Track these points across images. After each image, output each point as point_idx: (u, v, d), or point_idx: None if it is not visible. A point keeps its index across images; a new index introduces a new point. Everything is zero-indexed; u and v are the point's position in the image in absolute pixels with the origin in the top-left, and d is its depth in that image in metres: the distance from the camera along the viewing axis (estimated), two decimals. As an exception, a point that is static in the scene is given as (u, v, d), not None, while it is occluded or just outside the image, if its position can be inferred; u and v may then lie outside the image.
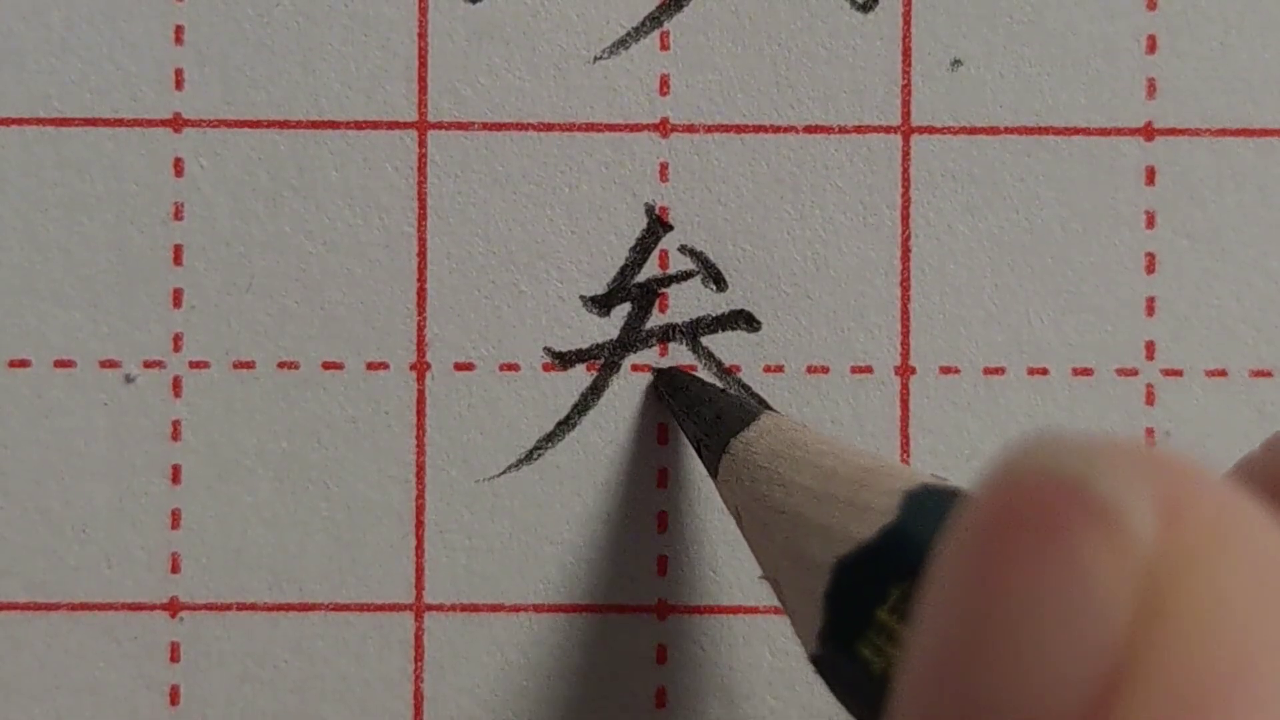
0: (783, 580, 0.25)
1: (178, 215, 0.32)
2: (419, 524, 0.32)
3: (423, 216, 0.32)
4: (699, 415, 0.30)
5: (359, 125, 0.32)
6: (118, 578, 0.32)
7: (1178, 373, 0.32)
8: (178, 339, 0.32)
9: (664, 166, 0.32)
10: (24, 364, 0.32)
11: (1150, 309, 0.32)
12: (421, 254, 0.32)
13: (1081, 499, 0.16)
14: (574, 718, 0.32)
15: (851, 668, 0.23)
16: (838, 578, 0.23)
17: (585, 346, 0.32)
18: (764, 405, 0.29)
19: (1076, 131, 0.32)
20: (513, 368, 0.32)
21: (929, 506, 0.23)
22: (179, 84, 0.32)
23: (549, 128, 0.32)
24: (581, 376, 0.32)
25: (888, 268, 0.32)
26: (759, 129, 0.32)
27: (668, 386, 0.31)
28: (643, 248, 0.32)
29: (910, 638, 0.17)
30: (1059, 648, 0.15)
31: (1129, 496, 0.16)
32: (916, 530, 0.23)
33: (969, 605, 0.16)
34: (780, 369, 0.32)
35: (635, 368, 0.32)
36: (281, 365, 0.32)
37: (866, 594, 0.23)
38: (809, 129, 0.32)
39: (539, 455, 0.32)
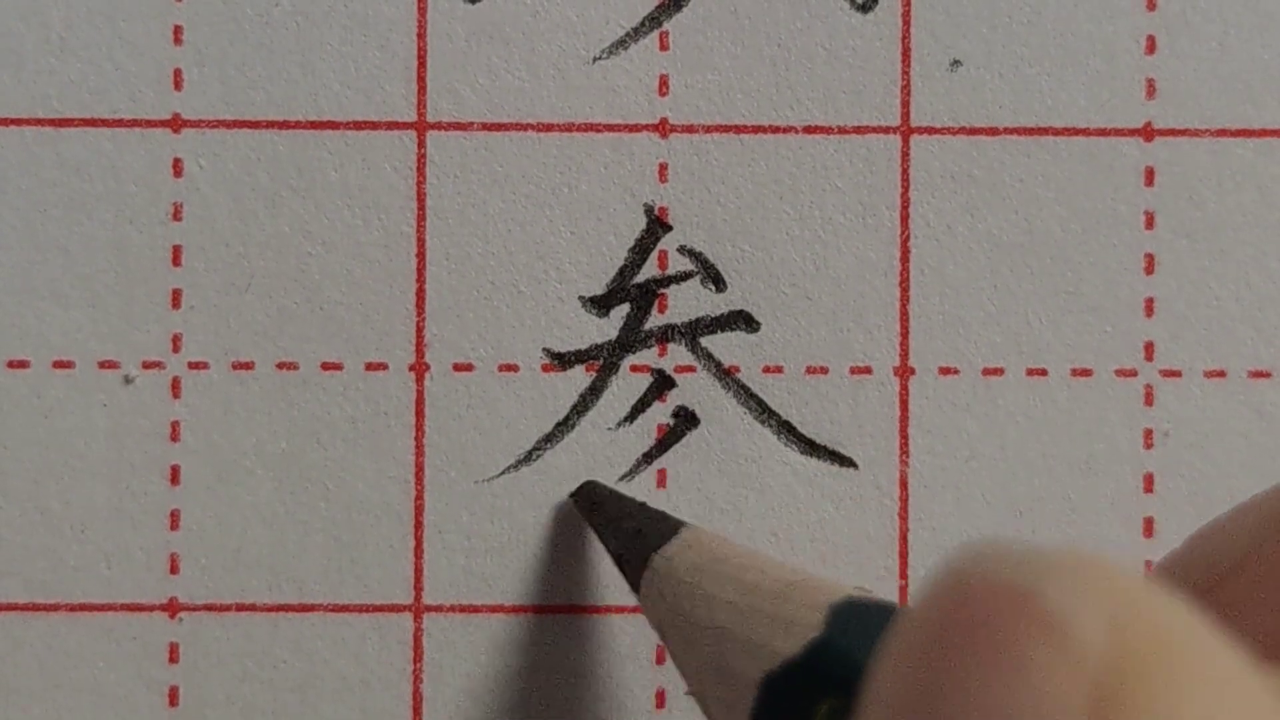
0: (708, 696, 0.25)
1: (177, 215, 0.32)
2: (418, 524, 0.32)
3: (422, 217, 0.32)
4: (618, 530, 0.30)
5: (358, 125, 0.32)
6: (117, 578, 0.32)
7: (1177, 373, 0.32)
8: (177, 339, 0.32)
9: (663, 167, 0.32)
10: (23, 364, 0.32)
11: (1149, 309, 0.32)
12: (420, 254, 0.32)
13: (1029, 609, 0.16)
14: (574, 718, 0.32)
15: None
16: (764, 694, 0.23)
17: (584, 347, 0.32)
18: (681, 521, 0.29)
19: (1076, 132, 0.32)
20: (512, 368, 0.32)
21: (855, 620, 0.23)
22: (178, 84, 0.32)
23: (548, 128, 0.32)
24: (580, 377, 0.32)
25: (887, 268, 0.32)
26: (758, 129, 0.32)
27: (586, 501, 0.31)
28: (642, 248, 0.32)
29: None
30: None
31: (1077, 605, 0.15)
32: (844, 644, 0.23)
33: (917, 715, 0.16)
34: (779, 370, 0.32)
35: (634, 368, 0.32)
36: (281, 366, 0.32)
37: (794, 710, 0.23)
38: (808, 129, 0.32)
39: (538, 456, 0.32)
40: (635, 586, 0.28)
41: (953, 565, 0.17)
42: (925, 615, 0.16)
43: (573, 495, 0.31)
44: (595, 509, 0.31)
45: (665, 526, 0.29)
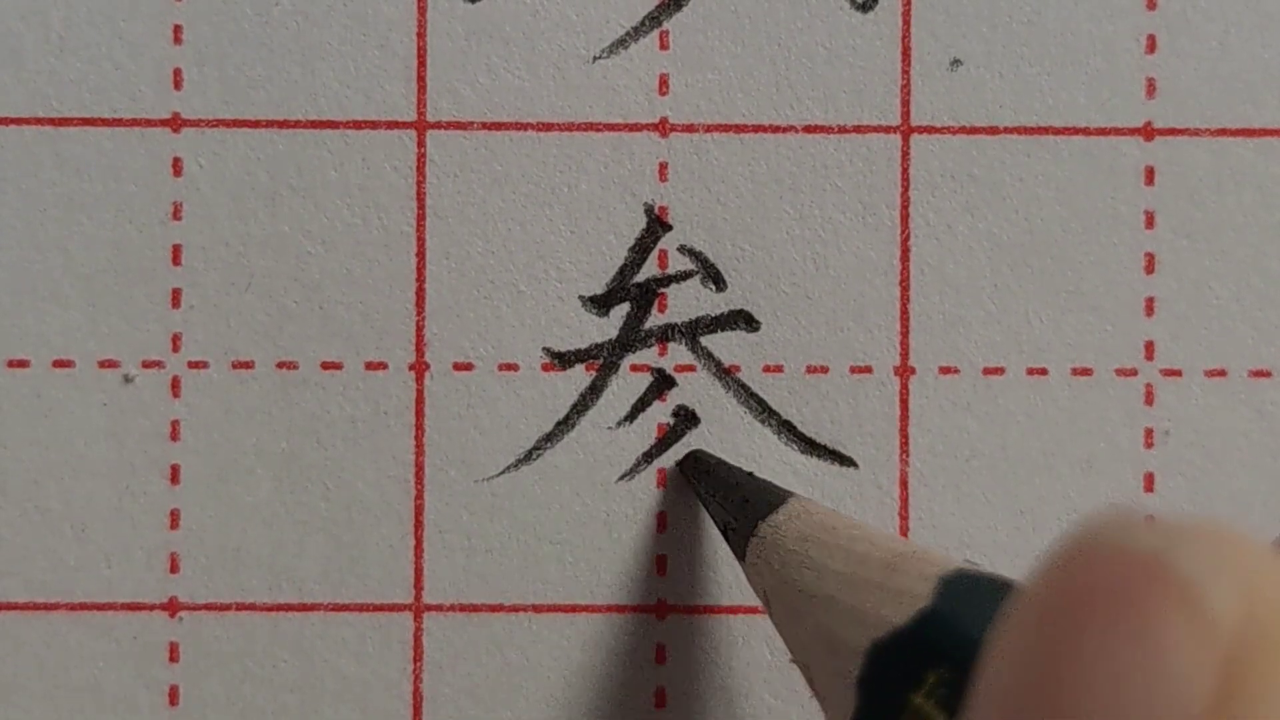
0: (813, 665, 0.25)
1: (176, 215, 0.32)
2: (418, 524, 0.32)
3: (421, 216, 0.32)
4: (725, 499, 0.30)
5: (358, 125, 0.32)
6: (117, 578, 0.32)
7: (1177, 373, 0.32)
8: (176, 339, 0.32)
9: (663, 166, 0.32)
10: (23, 364, 0.32)
11: (1150, 309, 0.32)
12: (420, 254, 0.32)
13: (1161, 577, 0.15)
14: (574, 718, 0.32)
15: None
16: (871, 662, 0.23)
17: (584, 346, 0.32)
18: (789, 491, 0.29)
19: (1076, 131, 0.32)
20: (512, 368, 0.32)
21: (965, 592, 0.23)
22: (178, 84, 0.32)
23: (548, 127, 0.32)
24: (580, 376, 0.32)
25: (887, 268, 0.32)
26: (758, 129, 0.32)
27: (693, 470, 0.31)
28: (642, 248, 0.32)
29: (972, 705, 0.16)
30: None
31: (1209, 576, 0.15)
32: (953, 615, 0.23)
33: (1042, 679, 0.15)
34: (780, 369, 0.32)
35: (634, 368, 0.32)
36: (280, 365, 0.32)
37: (901, 679, 0.23)
38: (808, 129, 0.32)
39: (538, 455, 0.32)
40: (741, 555, 0.28)
41: (1084, 531, 0.16)
42: (1053, 580, 0.16)
43: (679, 463, 0.32)
44: (701, 477, 0.31)
45: (773, 495, 0.29)
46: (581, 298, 0.32)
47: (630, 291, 0.32)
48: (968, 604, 0.23)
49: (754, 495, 0.29)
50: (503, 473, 0.32)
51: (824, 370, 0.32)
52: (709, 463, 0.31)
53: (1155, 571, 0.15)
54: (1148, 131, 0.32)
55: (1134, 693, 0.15)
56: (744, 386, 0.32)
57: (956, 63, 0.32)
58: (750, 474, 0.30)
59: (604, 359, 0.32)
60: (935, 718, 0.22)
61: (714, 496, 0.30)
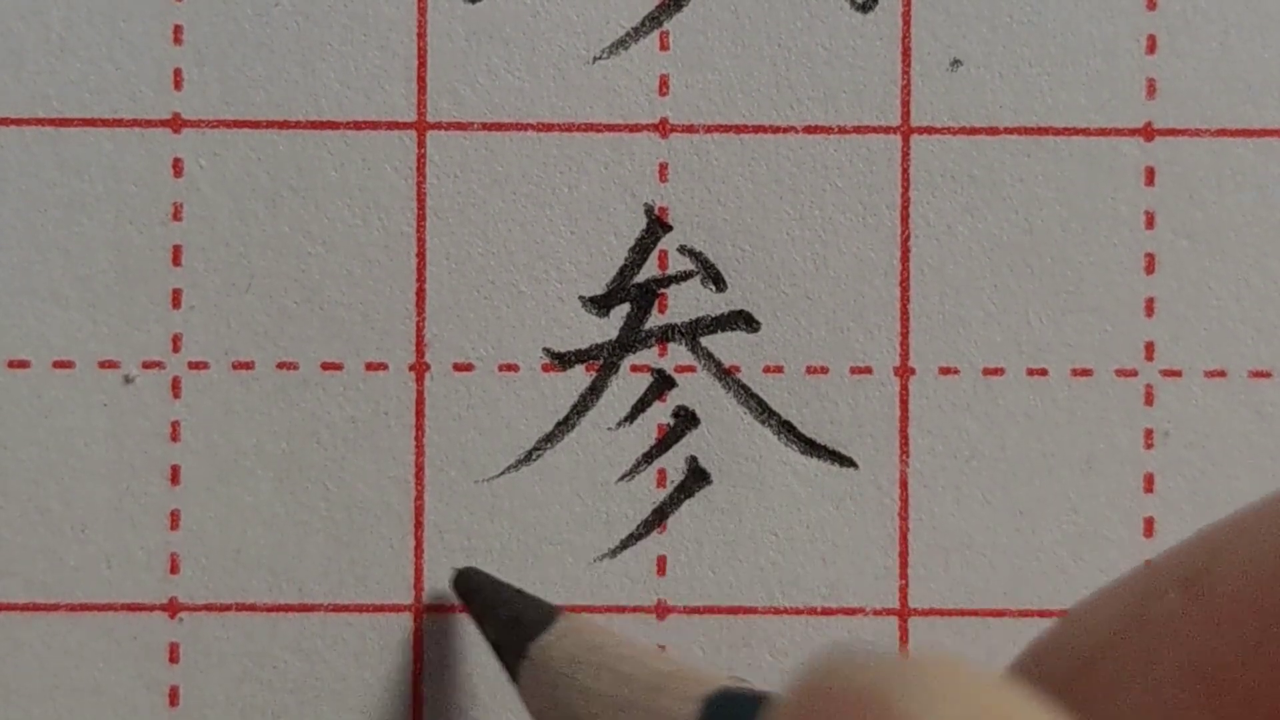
0: None
1: (177, 216, 0.32)
2: (418, 524, 0.32)
3: (422, 217, 0.32)
4: (495, 618, 0.30)
5: (358, 125, 0.32)
6: (117, 578, 0.32)
7: (1177, 373, 0.32)
8: (177, 339, 0.32)
9: (663, 167, 0.32)
10: (23, 364, 0.32)
11: (1150, 309, 0.32)
12: (421, 254, 0.32)
13: (890, 715, 0.16)
14: (573, 718, 0.32)
15: None
16: None
17: (584, 347, 0.32)
18: (558, 609, 0.29)
19: (1076, 131, 0.32)
20: (512, 368, 0.32)
21: (728, 713, 0.23)
22: (178, 84, 0.32)
23: (548, 128, 0.32)
24: (581, 377, 0.32)
25: (887, 268, 0.32)
26: (759, 129, 0.32)
27: (463, 589, 0.31)
28: (642, 248, 0.32)
29: None
30: None
31: (936, 711, 0.16)
32: None
33: None
34: (780, 369, 0.32)
35: (634, 368, 0.32)
36: (281, 366, 0.32)
37: None
38: (809, 129, 0.32)
39: (538, 456, 0.32)
40: (513, 677, 0.29)
41: (814, 669, 0.17)
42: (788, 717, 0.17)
43: (452, 582, 0.31)
44: (470, 596, 0.31)
45: (541, 614, 0.29)
46: (581, 298, 0.32)
47: (630, 292, 0.32)
48: None
49: (524, 614, 0.29)
50: (503, 473, 0.32)
51: (824, 370, 0.32)
52: (479, 580, 0.31)
53: (878, 711, 0.16)
54: (1148, 132, 0.32)
55: None
56: (744, 387, 0.32)
57: (956, 63, 0.32)
58: (519, 591, 0.30)
59: (604, 359, 0.32)
60: None
61: (484, 616, 0.30)
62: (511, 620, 0.29)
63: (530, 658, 0.28)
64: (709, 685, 0.24)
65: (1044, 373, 0.32)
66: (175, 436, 0.32)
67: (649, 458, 0.32)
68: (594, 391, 0.32)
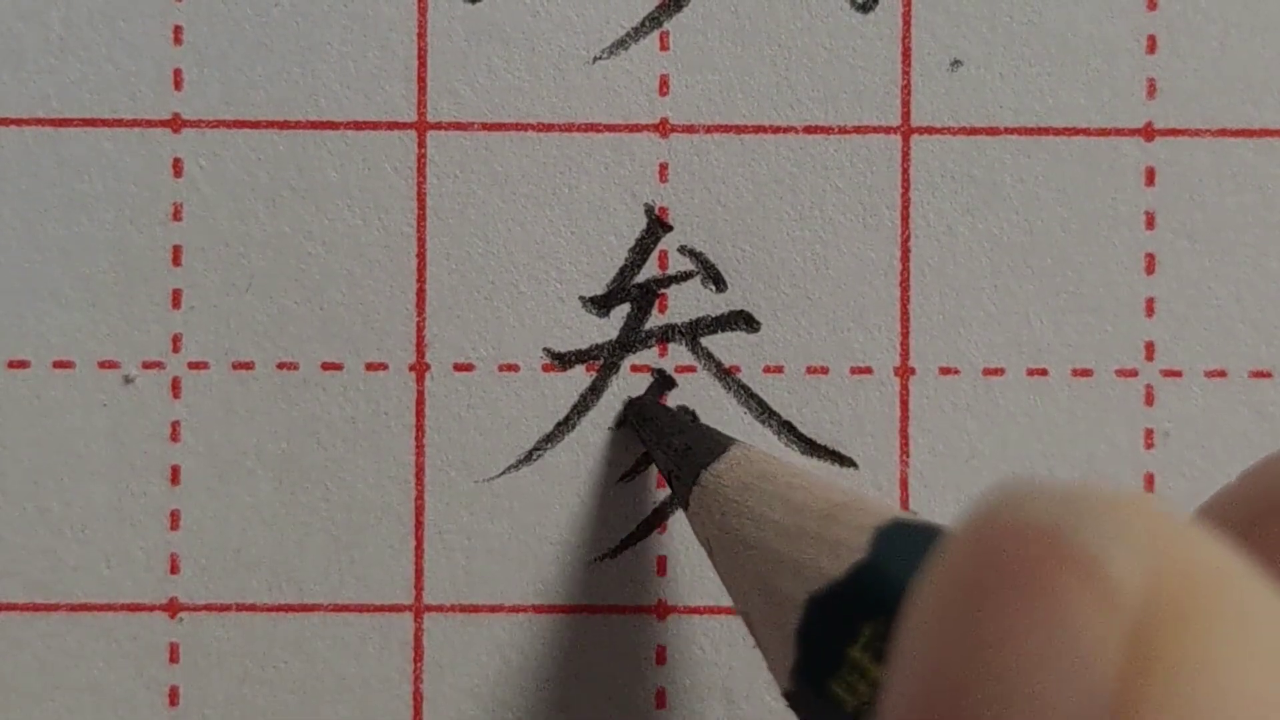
0: (753, 615, 0.25)
1: (177, 216, 0.32)
2: (418, 524, 0.32)
3: (422, 217, 0.32)
4: (669, 445, 0.30)
5: (358, 125, 0.32)
6: (117, 578, 0.32)
7: (1177, 373, 0.32)
8: (177, 340, 0.32)
9: (663, 167, 0.32)
10: (23, 364, 0.32)
11: (1150, 309, 0.32)
12: (421, 254, 0.32)
13: (1064, 550, 0.15)
14: (574, 718, 0.32)
15: (824, 705, 0.23)
16: (809, 614, 0.23)
17: (584, 347, 0.32)
18: (731, 438, 0.29)
19: (1076, 131, 0.32)
20: (512, 368, 0.32)
21: (901, 543, 0.23)
22: (178, 84, 0.32)
23: (548, 128, 0.32)
24: (581, 377, 0.32)
25: (888, 268, 0.32)
26: (759, 129, 0.32)
27: (637, 417, 0.31)
28: (642, 248, 0.32)
29: (888, 685, 0.16)
30: (1047, 703, 0.15)
31: (1112, 547, 0.15)
32: (888, 567, 0.23)
33: (952, 658, 0.15)
34: (780, 370, 0.32)
35: (635, 368, 0.32)
36: (281, 366, 0.32)
37: (838, 631, 0.23)
38: (809, 129, 0.32)
39: (538, 456, 0.32)
40: (684, 503, 0.28)
41: (988, 503, 0.16)
42: (958, 557, 0.16)
43: (623, 410, 0.31)
44: (645, 424, 0.31)
45: (715, 443, 0.28)
46: (582, 298, 0.32)
47: (630, 292, 0.32)
48: (902, 555, 0.23)
49: (697, 443, 0.29)
50: (503, 473, 0.32)
51: (824, 371, 0.32)
52: (652, 410, 0.31)
53: (1057, 546, 0.15)
54: (1148, 132, 0.32)
55: (1043, 675, 0.15)
56: (744, 387, 0.32)
57: (956, 63, 0.32)
58: (694, 420, 0.30)
59: (604, 359, 0.32)
60: (872, 671, 0.22)
61: (658, 444, 0.30)
62: (684, 448, 0.29)
63: (702, 484, 0.28)
64: (882, 516, 0.24)
65: (1044, 373, 0.32)
66: (175, 436, 0.32)
67: (649, 458, 0.32)
68: (594, 391, 0.32)
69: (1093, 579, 0.15)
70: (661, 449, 0.30)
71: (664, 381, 0.32)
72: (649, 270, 0.32)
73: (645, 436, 0.31)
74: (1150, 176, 0.32)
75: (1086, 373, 0.32)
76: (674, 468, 0.29)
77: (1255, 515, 0.22)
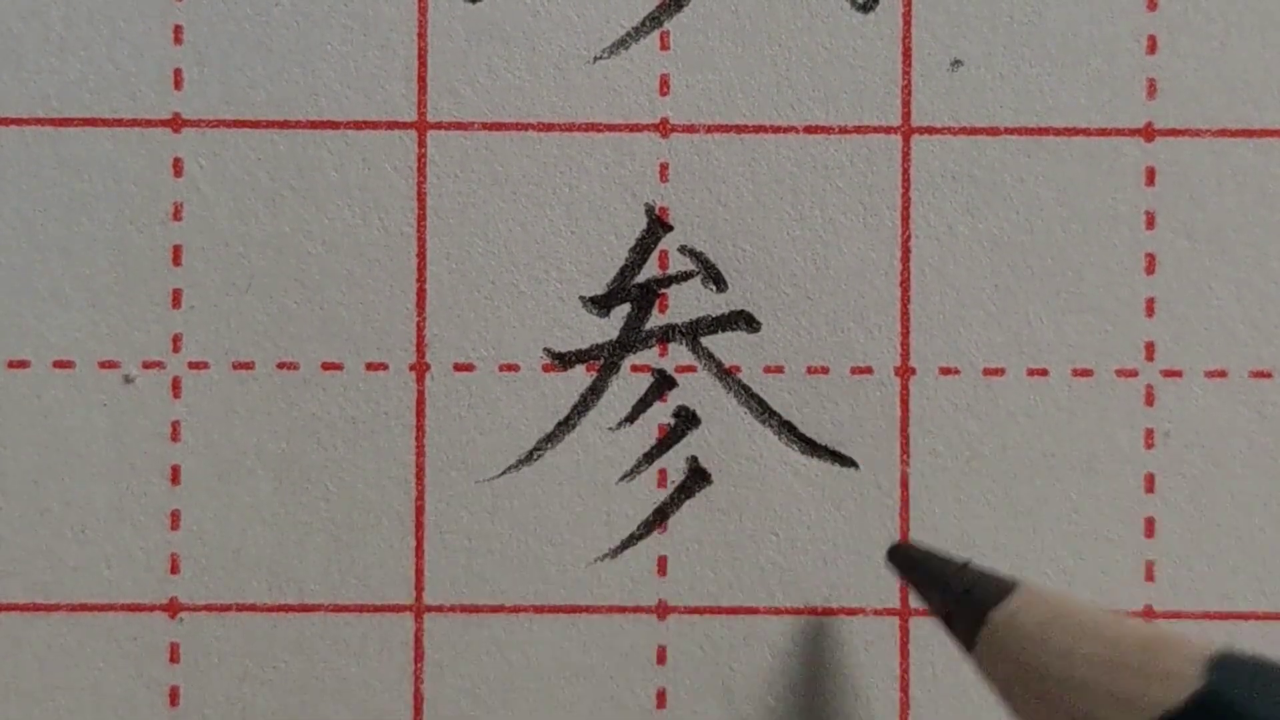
0: None
1: (177, 215, 0.32)
2: (419, 525, 0.32)
3: (422, 217, 0.32)
4: (946, 588, 0.29)
5: (359, 125, 0.32)
6: (117, 578, 0.32)
7: (1177, 373, 0.32)
8: (177, 339, 0.32)
9: (664, 167, 0.32)
10: (23, 364, 0.32)
11: (1150, 309, 0.32)
12: (421, 254, 0.32)
13: None
14: (574, 718, 0.32)
15: None
16: None
17: (585, 347, 0.32)
18: (1015, 579, 0.29)
19: (1076, 132, 0.32)
20: (512, 368, 0.32)
21: (1236, 671, 0.23)
22: (178, 84, 0.32)
23: (549, 128, 0.32)
24: (581, 377, 0.32)
25: (888, 268, 0.32)
26: (759, 129, 0.32)
27: (902, 562, 0.31)
28: (642, 248, 0.32)
29: None
30: None
31: None
32: (1229, 694, 0.23)
33: None
34: (780, 369, 0.32)
35: (635, 368, 0.32)
36: (281, 366, 0.32)
37: None
38: (809, 129, 0.32)
39: (538, 456, 0.32)
40: (969, 645, 0.28)
41: None
42: None
43: (888, 554, 0.31)
44: (913, 568, 0.30)
45: (1000, 583, 0.28)
46: (582, 298, 0.32)
47: (631, 292, 0.32)
48: (1243, 683, 0.23)
49: (976, 584, 0.28)
50: (503, 473, 0.32)
51: (824, 371, 0.32)
52: (917, 555, 0.31)
53: None
54: (1148, 132, 0.32)
55: None
56: (744, 387, 0.32)
57: (957, 63, 0.32)
58: (967, 562, 0.30)
59: (605, 359, 0.32)
60: None
61: (931, 586, 0.30)
62: (964, 590, 0.29)
63: (993, 624, 0.27)
64: (1207, 648, 0.24)
65: (1044, 373, 0.32)
66: (175, 436, 0.32)
67: (649, 458, 0.32)
68: (594, 391, 0.32)
69: None
70: (936, 591, 0.29)
71: (664, 381, 0.32)
72: (649, 270, 0.32)
73: (914, 579, 0.30)
74: (1150, 176, 0.32)
75: (1086, 373, 0.32)
76: (954, 610, 0.29)
77: None
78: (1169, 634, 0.25)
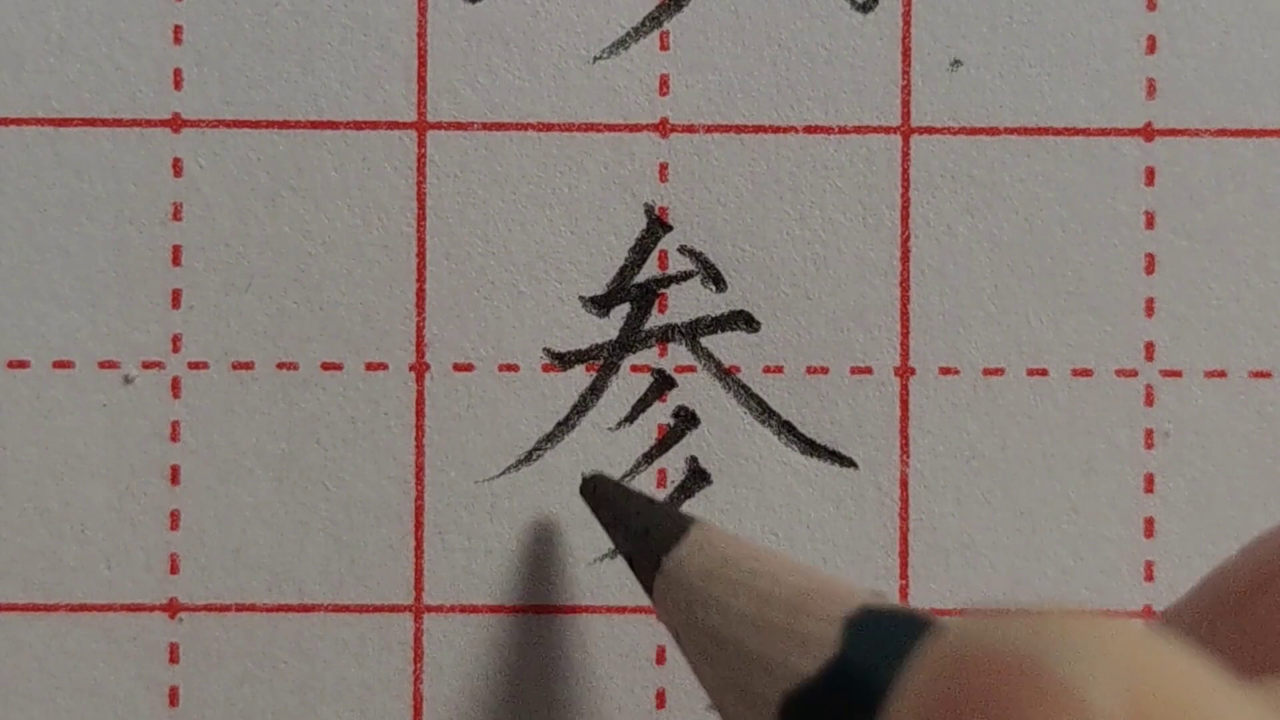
0: (729, 712, 0.25)
1: (176, 215, 0.32)
2: (418, 525, 0.32)
3: (422, 217, 0.32)
4: (627, 528, 0.29)
5: (358, 125, 0.32)
6: (117, 579, 0.32)
7: (1177, 373, 0.32)
8: (176, 340, 0.32)
9: (664, 167, 0.32)
10: (23, 365, 0.32)
11: (1150, 309, 0.32)
12: (421, 254, 0.32)
13: (1041, 681, 0.15)
14: (574, 718, 0.32)
15: None
16: (785, 716, 0.23)
17: (584, 347, 0.32)
18: (693, 517, 0.28)
19: (1076, 132, 0.32)
20: (512, 368, 0.32)
21: (872, 634, 0.23)
22: (178, 84, 0.32)
23: (549, 128, 0.32)
24: (581, 377, 0.32)
25: (887, 268, 0.32)
26: (759, 129, 0.32)
27: (592, 497, 0.30)
28: (642, 248, 0.32)
29: None
30: None
31: (1089, 675, 0.15)
32: (861, 662, 0.22)
33: None
34: (780, 370, 0.32)
35: (634, 368, 0.32)
36: (280, 366, 0.32)
37: None
38: (809, 129, 0.32)
39: (538, 456, 0.32)
40: (648, 589, 0.28)
41: (957, 632, 0.16)
42: (931, 688, 0.16)
43: (581, 489, 0.31)
44: (600, 505, 0.30)
45: (673, 525, 0.28)
46: (582, 298, 0.32)
47: (630, 292, 0.32)
48: (875, 647, 0.22)
49: (655, 525, 0.28)
50: (503, 473, 0.32)
51: (824, 371, 0.32)
52: (607, 489, 0.30)
53: (1033, 677, 0.15)
54: (1148, 132, 0.32)
55: None
56: (744, 387, 0.32)
57: (956, 63, 0.32)
58: (650, 500, 0.29)
59: (604, 359, 0.32)
60: None
61: (615, 526, 0.29)
62: (642, 531, 0.28)
63: (664, 572, 0.27)
64: (849, 604, 0.23)
65: (1044, 373, 0.32)
66: (175, 436, 0.32)
67: (649, 458, 0.32)
68: (594, 392, 0.32)
69: (1073, 710, 0.15)
70: (619, 533, 0.29)
71: (664, 381, 0.32)
72: (649, 270, 0.32)
73: (602, 518, 0.30)
74: (1150, 176, 0.32)
75: (1086, 373, 0.32)
76: (633, 554, 0.28)
77: (1252, 588, 0.21)
78: (817, 589, 0.24)
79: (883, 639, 0.22)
